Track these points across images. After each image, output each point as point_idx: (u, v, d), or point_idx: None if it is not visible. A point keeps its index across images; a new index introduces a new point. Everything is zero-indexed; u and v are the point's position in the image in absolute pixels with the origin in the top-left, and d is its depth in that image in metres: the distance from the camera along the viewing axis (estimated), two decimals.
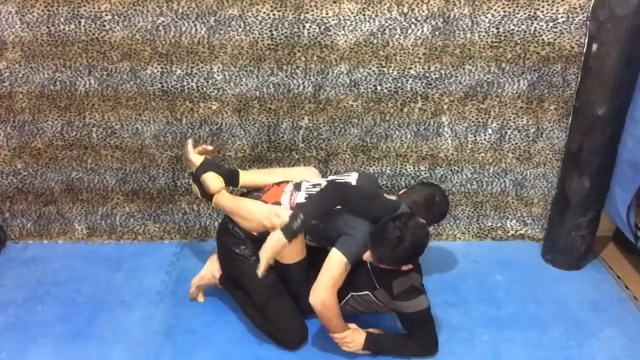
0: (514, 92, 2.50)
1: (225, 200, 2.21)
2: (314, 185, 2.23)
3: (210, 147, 2.28)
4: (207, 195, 2.24)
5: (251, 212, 2.14)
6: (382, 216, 2.00)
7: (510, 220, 2.78)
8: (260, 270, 1.95)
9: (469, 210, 2.76)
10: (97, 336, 2.16)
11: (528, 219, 2.77)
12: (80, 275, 2.50)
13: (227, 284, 2.27)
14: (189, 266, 2.54)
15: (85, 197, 2.69)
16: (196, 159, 2.23)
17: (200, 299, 2.35)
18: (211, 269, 2.30)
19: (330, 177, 2.35)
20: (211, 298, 2.37)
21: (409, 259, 1.96)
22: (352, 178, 2.29)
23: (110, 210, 2.73)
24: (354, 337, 2.03)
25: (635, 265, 2.57)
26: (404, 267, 1.98)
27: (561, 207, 2.54)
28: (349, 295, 2.09)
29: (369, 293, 2.06)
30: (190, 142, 2.26)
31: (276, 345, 2.12)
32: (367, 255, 1.96)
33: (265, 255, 1.94)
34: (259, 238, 2.15)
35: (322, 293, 1.94)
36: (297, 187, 2.24)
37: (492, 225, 2.79)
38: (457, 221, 2.78)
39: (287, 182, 2.29)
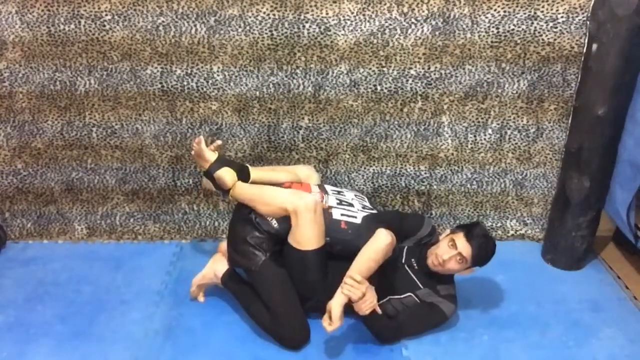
0: (514, 92, 2.50)
1: (245, 189, 2.21)
2: (339, 192, 2.32)
3: (219, 142, 2.27)
4: (221, 189, 2.24)
5: (273, 196, 2.15)
6: (411, 230, 2.26)
7: (510, 220, 2.78)
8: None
9: (469, 210, 2.76)
10: (97, 336, 2.16)
11: (528, 219, 2.77)
12: (80, 275, 2.50)
13: (230, 280, 2.26)
14: (189, 266, 2.54)
15: (85, 197, 2.69)
16: (211, 155, 2.23)
17: (201, 298, 2.35)
18: (213, 268, 2.30)
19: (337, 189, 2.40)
20: (211, 298, 2.37)
21: (492, 256, 2.13)
22: (351, 194, 2.39)
23: (110, 210, 2.73)
24: (372, 294, 1.97)
25: (635, 265, 2.57)
26: (469, 271, 2.14)
27: (561, 207, 2.54)
28: (387, 299, 2.12)
29: (411, 294, 2.12)
30: (202, 139, 2.21)
31: (278, 343, 2.11)
32: (455, 262, 2.07)
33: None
34: (279, 232, 2.14)
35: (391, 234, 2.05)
36: (323, 189, 2.29)
37: (492, 225, 2.79)
38: (457, 221, 2.77)
39: (306, 183, 2.31)
